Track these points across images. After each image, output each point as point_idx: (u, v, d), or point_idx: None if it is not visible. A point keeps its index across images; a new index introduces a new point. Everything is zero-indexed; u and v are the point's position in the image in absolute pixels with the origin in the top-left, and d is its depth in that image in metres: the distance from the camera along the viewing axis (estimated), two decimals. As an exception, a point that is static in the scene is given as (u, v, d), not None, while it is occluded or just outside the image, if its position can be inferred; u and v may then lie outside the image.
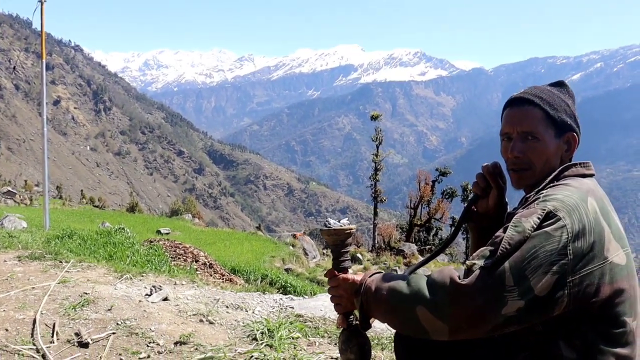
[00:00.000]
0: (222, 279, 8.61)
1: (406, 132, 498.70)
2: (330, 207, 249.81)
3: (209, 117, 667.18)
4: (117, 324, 4.01)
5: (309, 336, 4.19)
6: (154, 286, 4.91)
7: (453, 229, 2.44)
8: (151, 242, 10.28)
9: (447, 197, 38.84)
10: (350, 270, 2.12)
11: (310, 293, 9.17)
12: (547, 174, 2.08)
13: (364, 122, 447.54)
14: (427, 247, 34.72)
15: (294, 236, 24.76)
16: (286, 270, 14.89)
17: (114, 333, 3.81)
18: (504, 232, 1.83)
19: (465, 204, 2.40)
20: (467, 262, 1.86)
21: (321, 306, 5.08)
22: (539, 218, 1.80)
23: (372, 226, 37.20)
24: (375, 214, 36.58)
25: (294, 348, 3.82)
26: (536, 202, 1.89)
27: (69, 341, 3.64)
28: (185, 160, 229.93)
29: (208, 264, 8.89)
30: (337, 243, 2.13)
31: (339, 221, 2.13)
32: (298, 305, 5.13)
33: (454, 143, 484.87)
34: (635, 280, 1.97)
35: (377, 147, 36.73)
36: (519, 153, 2.13)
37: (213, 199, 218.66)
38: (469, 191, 41.69)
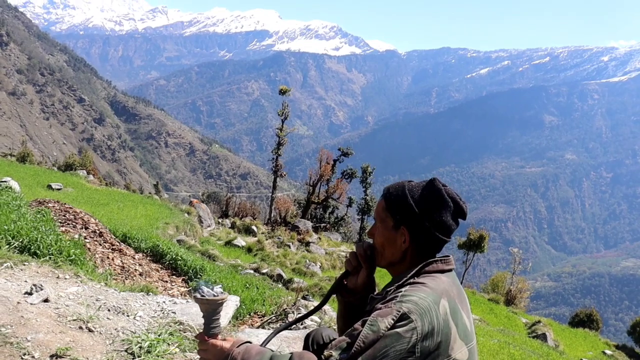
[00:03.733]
0: (112, 248, 8.42)
1: (314, 105, 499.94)
2: (231, 172, 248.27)
3: (114, 66, 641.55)
4: (-8, 331, 3.65)
5: (186, 351, 4.17)
6: (34, 284, 4.57)
7: (322, 298, 2.59)
8: (40, 202, 9.89)
9: (346, 177, 39.37)
10: (219, 336, 2.26)
11: (199, 269, 9.14)
12: (398, 261, 2.34)
13: (273, 90, 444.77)
14: (322, 224, 35.18)
15: (191, 203, 24.45)
16: (178, 241, 14.70)
17: (-14, 342, 3.49)
18: (362, 325, 2.04)
19: (337, 277, 2.55)
20: (325, 352, 2.03)
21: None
22: (393, 319, 2.00)
23: (269, 198, 37.22)
24: (274, 187, 36.61)
25: (170, 365, 3.75)
26: (394, 301, 2.08)
27: None
28: (85, 109, 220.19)
29: (98, 232, 8.64)
30: (209, 311, 2.24)
31: (212, 289, 2.23)
32: (180, 310, 5.09)
33: (360, 121, 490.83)
34: None
35: (283, 122, 36.65)
36: (369, 233, 2.45)
37: (111, 151, 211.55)
38: (368, 173, 42.58)
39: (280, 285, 11.91)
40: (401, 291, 2.13)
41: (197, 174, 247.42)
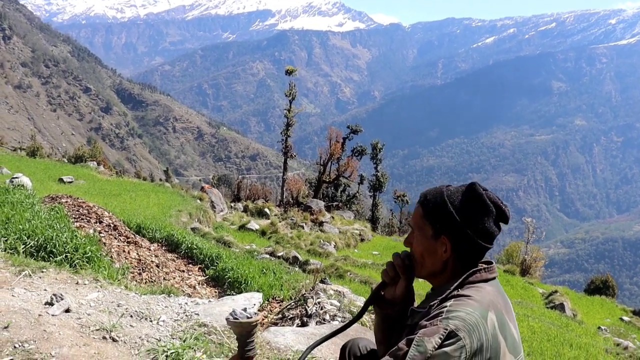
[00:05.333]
0: (127, 241, 8.42)
1: (320, 82, 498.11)
2: (240, 153, 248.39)
3: (118, 54, 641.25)
4: (15, 347, 3.56)
5: (213, 356, 4.12)
6: (54, 294, 4.44)
7: (360, 309, 2.55)
8: (53, 198, 9.89)
9: (356, 154, 39.33)
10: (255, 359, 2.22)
11: (215, 257, 9.13)
12: (439, 271, 2.26)
13: (278, 69, 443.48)
14: (334, 203, 35.19)
15: (202, 189, 24.48)
16: (193, 229, 14.72)
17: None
18: (407, 345, 1.98)
19: (374, 288, 2.52)
20: None
21: (226, 313, 5.03)
22: (440, 338, 1.93)
23: (281, 179, 37.22)
24: (285, 169, 36.56)
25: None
26: (439, 317, 2.01)
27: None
28: (92, 98, 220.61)
29: (112, 225, 8.64)
30: (243, 333, 2.19)
31: (245, 310, 2.19)
32: (203, 311, 5.04)
33: (366, 96, 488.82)
34: None
35: (290, 103, 36.46)
36: (406, 242, 2.36)
37: (120, 139, 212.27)
38: (378, 149, 42.47)
39: (297, 268, 11.91)
40: (446, 306, 2.06)
41: (207, 157, 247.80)
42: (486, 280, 2.20)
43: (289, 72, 37.32)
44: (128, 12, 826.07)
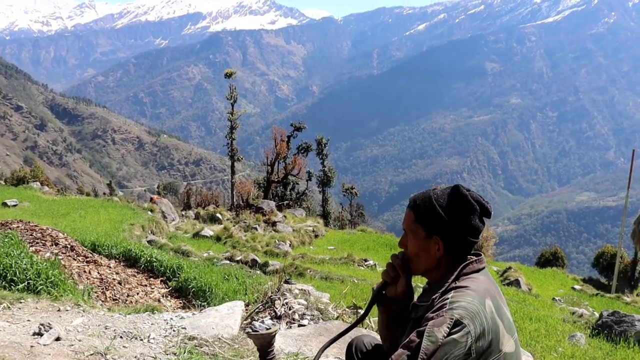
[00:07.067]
0: (86, 261, 8.27)
1: (257, 82, 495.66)
2: (183, 160, 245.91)
3: (48, 69, 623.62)
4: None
5: None
6: (42, 324, 4.40)
7: (363, 311, 2.79)
8: (3, 224, 9.63)
9: (302, 151, 39.40)
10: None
11: (177, 268, 9.04)
12: (434, 268, 2.46)
13: (214, 72, 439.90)
14: (285, 202, 35.19)
15: (152, 200, 24.17)
16: (149, 242, 14.55)
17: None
18: (418, 337, 2.19)
19: (375, 288, 2.67)
20: None
21: (212, 324, 5.04)
22: (448, 327, 2.16)
23: (228, 181, 37.07)
24: (233, 172, 36.38)
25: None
26: (444, 309, 2.22)
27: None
28: (24, 116, 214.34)
29: (69, 246, 8.47)
30: (264, 344, 2.34)
31: (263, 322, 2.35)
32: (189, 324, 5.04)
33: (305, 92, 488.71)
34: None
35: (232, 105, 36.23)
36: (400, 244, 2.56)
37: (58, 156, 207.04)
38: (323, 145, 42.66)
39: (257, 271, 11.94)
40: (448, 298, 2.27)
41: (150, 167, 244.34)
42: (478, 271, 2.41)
43: (228, 75, 37.14)
44: (54, 24, 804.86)
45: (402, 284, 2.58)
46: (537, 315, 10.79)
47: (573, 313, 12.30)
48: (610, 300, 18.78)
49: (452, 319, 2.17)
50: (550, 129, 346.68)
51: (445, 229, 2.38)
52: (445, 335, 2.14)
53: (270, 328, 2.30)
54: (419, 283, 8.13)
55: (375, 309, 2.75)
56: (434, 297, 2.36)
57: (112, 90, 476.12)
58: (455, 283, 2.35)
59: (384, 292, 2.65)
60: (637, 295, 24.50)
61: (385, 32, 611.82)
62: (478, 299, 2.25)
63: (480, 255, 2.50)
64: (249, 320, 6.71)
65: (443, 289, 2.36)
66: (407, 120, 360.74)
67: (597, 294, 20.36)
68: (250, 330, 2.30)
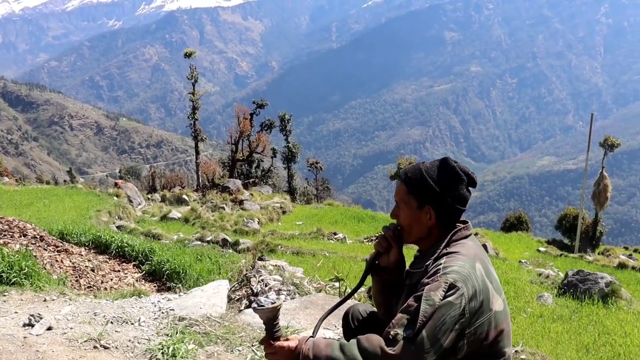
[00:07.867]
0: (57, 250, 8.19)
1: (216, 60, 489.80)
2: (144, 143, 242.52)
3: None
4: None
5: (204, 345, 4.22)
6: (32, 314, 4.41)
7: (359, 281, 2.87)
8: (-34, 218, 9.44)
9: (266, 129, 39.32)
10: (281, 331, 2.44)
11: (149, 252, 9.00)
12: (425, 236, 2.60)
13: (171, 52, 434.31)
14: (251, 180, 35.14)
15: (116, 185, 23.90)
16: (118, 227, 14.42)
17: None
18: (416, 301, 2.32)
19: (368, 259, 2.81)
20: (391, 331, 2.29)
21: (199, 304, 5.10)
22: (444, 291, 2.29)
23: (191, 162, 36.82)
24: (197, 152, 36.07)
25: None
26: (439, 274, 2.36)
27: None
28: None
29: (38, 236, 8.37)
30: (270, 317, 2.39)
31: (267, 297, 2.39)
32: (177, 306, 5.09)
33: (264, 68, 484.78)
34: (509, 317, 2.55)
35: (194, 85, 35.79)
36: (392, 215, 2.70)
37: (14, 145, 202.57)
38: (286, 121, 42.57)
39: (229, 250, 11.96)
40: (441, 263, 2.41)
41: (110, 151, 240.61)
42: (466, 237, 2.57)
43: (187, 55, 36.64)
44: (0, 8, 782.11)
45: (394, 253, 2.72)
46: (505, 278, 11.07)
47: (540, 274, 12.59)
48: (574, 260, 19.29)
49: (447, 282, 2.30)
50: (510, 96, 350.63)
51: (437, 199, 2.52)
52: (442, 298, 2.26)
53: (275, 302, 2.38)
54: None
55: (369, 278, 2.86)
56: (427, 263, 2.50)
57: (66, 75, 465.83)
58: (447, 249, 2.49)
59: (377, 262, 2.76)
60: (598, 254, 25.25)
61: (343, 5, 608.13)
62: (469, 263, 2.39)
63: (467, 222, 2.64)
64: (227, 298, 6.74)
65: (435, 255, 2.50)
66: (368, 93, 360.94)
67: (561, 255, 20.90)
68: (255, 306, 2.38)
